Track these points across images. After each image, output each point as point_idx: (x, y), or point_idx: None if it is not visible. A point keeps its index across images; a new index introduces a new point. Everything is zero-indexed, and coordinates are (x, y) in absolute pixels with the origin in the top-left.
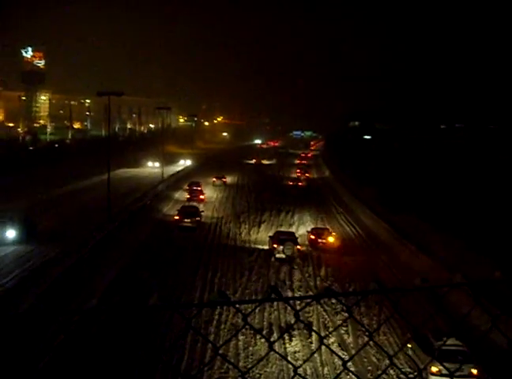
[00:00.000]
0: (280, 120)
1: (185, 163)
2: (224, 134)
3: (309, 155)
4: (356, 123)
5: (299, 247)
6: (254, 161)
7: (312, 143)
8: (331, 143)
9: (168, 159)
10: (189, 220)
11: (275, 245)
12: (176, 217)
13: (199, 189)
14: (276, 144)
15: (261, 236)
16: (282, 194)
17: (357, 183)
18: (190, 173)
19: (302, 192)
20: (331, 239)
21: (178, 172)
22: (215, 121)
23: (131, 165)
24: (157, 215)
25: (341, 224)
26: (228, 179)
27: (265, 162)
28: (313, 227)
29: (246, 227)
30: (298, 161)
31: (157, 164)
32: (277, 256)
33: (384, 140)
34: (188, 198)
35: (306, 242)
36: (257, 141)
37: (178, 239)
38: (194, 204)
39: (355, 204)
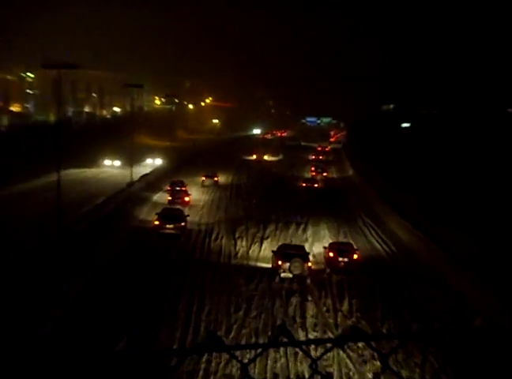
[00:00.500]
0: (288, 103)
1: (153, 162)
2: (215, 121)
3: (327, 148)
4: (391, 106)
5: (309, 264)
6: (254, 157)
7: (332, 133)
8: (356, 133)
9: (136, 155)
10: (171, 226)
11: (279, 262)
12: (156, 222)
13: (183, 189)
14: (284, 135)
15: (263, 254)
16: (292, 200)
17: (391, 186)
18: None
19: (318, 196)
20: (356, 257)
21: (133, 184)
22: (202, 104)
23: (83, 164)
24: (132, 223)
25: (370, 240)
26: (221, 178)
27: (268, 158)
28: (332, 241)
29: (244, 244)
30: (313, 156)
31: (117, 163)
32: (282, 275)
33: (429, 128)
34: (170, 200)
35: (323, 262)
36: (256, 131)
37: (158, 253)
38: (178, 207)
39: (388, 214)
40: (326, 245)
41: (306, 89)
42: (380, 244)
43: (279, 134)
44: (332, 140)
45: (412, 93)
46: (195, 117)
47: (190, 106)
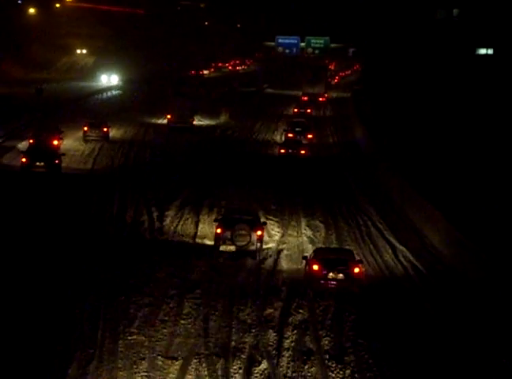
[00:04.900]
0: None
1: None
2: (81, 51)
3: (321, 98)
4: (454, 11)
5: (259, 233)
6: (168, 117)
7: (331, 66)
8: (382, 68)
9: None
10: (42, 164)
11: (218, 231)
12: (23, 159)
13: (55, 133)
14: (241, 68)
15: None
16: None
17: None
18: None
19: (304, 170)
20: (357, 272)
21: None
22: (57, 6)
23: None
24: None
25: (379, 252)
26: (117, 131)
27: (198, 121)
28: (318, 247)
29: None
30: (295, 109)
31: None
32: (222, 248)
33: None
34: (31, 144)
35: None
36: (106, 79)
37: None
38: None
39: (418, 208)
40: (308, 253)
41: None
42: (396, 260)
43: (229, 67)
44: (336, 80)
45: None
46: (42, 35)
47: (32, 9)
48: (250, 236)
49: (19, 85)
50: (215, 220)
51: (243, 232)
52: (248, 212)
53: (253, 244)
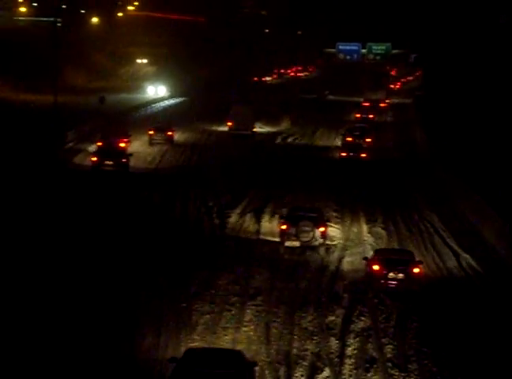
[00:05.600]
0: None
1: None
2: (141, 61)
3: (382, 104)
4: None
5: (322, 230)
6: (228, 124)
7: (393, 72)
8: (439, 72)
9: None
10: (111, 162)
11: (284, 227)
12: (93, 158)
13: (122, 136)
14: (303, 75)
15: None
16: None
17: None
18: None
19: (364, 175)
20: (418, 272)
21: None
22: (120, 15)
23: None
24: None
25: (442, 259)
26: (181, 135)
27: (259, 128)
28: (378, 248)
29: None
30: (357, 114)
31: None
32: (287, 244)
33: None
34: (100, 146)
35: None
36: (155, 90)
37: None
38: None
39: (482, 215)
40: (369, 255)
41: None
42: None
43: (291, 74)
44: (397, 85)
45: None
46: (104, 44)
47: (95, 19)
48: (314, 232)
49: (82, 93)
50: (280, 217)
51: (307, 228)
52: (312, 210)
53: (316, 240)
